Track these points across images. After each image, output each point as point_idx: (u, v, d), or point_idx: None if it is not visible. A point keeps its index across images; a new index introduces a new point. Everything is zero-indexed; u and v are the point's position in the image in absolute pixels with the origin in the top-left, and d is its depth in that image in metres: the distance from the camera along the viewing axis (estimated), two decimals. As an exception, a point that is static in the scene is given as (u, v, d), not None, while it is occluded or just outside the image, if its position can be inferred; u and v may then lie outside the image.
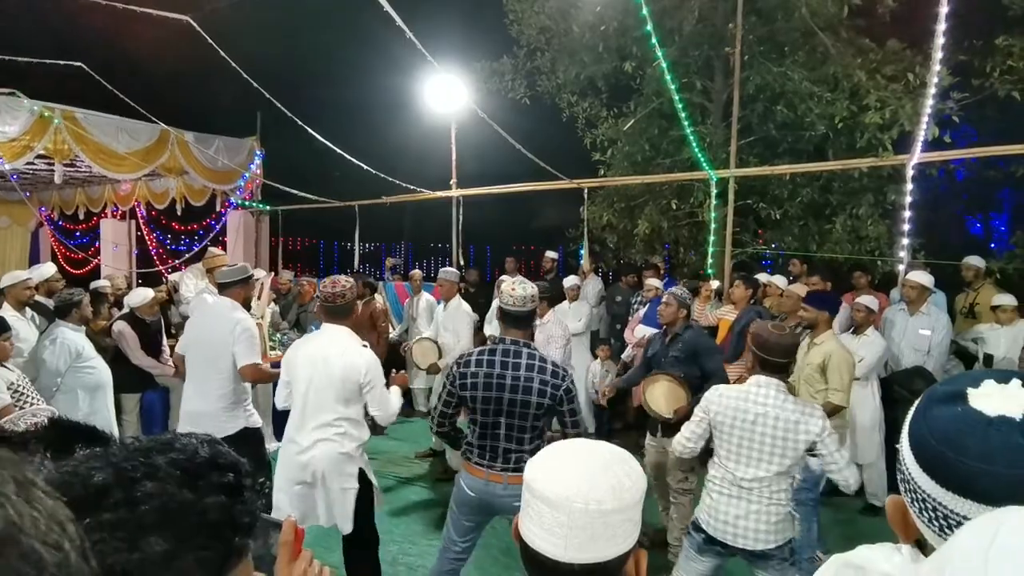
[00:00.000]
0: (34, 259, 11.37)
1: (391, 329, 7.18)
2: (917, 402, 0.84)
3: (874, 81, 6.65)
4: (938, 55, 4.60)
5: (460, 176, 8.04)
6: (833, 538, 4.20)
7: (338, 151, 7.22)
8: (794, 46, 7.53)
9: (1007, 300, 5.09)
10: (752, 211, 7.87)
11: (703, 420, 2.80)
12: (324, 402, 3.05)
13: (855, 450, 4.83)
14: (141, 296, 5.44)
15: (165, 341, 5.71)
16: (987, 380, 0.78)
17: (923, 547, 0.81)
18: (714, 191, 6.56)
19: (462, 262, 8.23)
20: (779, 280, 5.80)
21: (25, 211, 11.26)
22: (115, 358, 5.09)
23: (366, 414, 3.21)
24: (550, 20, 8.61)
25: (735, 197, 6.49)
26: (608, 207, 8.63)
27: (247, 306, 3.95)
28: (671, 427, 3.65)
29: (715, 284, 6.11)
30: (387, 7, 4.15)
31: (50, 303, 4.92)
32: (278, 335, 6.29)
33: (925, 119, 5.11)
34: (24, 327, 4.59)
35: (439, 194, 8.20)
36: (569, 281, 6.77)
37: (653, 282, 6.33)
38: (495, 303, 4.06)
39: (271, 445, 5.11)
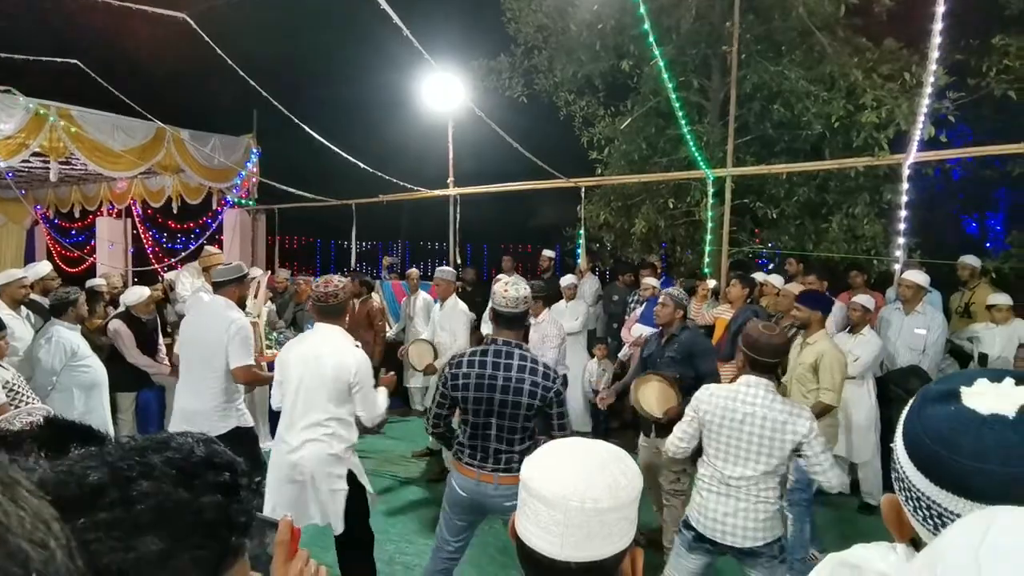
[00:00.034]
0: (29, 257, 11.34)
1: (388, 328, 7.17)
2: (911, 401, 0.84)
3: (871, 80, 6.66)
4: (934, 54, 4.61)
5: (457, 175, 8.04)
6: (829, 537, 4.21)
7: (335, 149, 7.21)
8: (791, 45, 7.54)
9: (1002, 299, 5.11)
10: (749, 210, 7.88)
11: (694, 420, 2.83)
12: (315, 401, 3.05)
13: (851, 449, 4.84)
14: (137, 294, 5.42)
15: (161, 340, 5.69)
16: (981, 379, 0.79)
17: (918, 546, 0.81)
18: (711, 190, 6.57)
19: (459, 261, 8.23)
20: (775, 279, 5.82)
21: (20, 209, 11.22)
22: (111, 357, 5.08)
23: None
24: (547, 18, 8.60)
25: (732, 196, 6.50)
26: (605, 206, 8.63)
27: (242, 305, 3.94)
28: (664, 427, 3.67)
29: (712, 283, 6.11)
30: (384, 5, 4.14)
31: (45, 302, 4.91)
32: (274, 334, 6.28)
33: (921, 118, 5.12)
34: (19, 326, 4.58)
35: (436, 193, 8.19)
36: (566, 280, 6.77)
37: (650, 281, 6.34)
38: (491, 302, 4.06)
39: (266, 444, 5.10)
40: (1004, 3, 6.57)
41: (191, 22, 5.60)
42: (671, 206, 7.99)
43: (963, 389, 0.78)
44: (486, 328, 6.10)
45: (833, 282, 6.09)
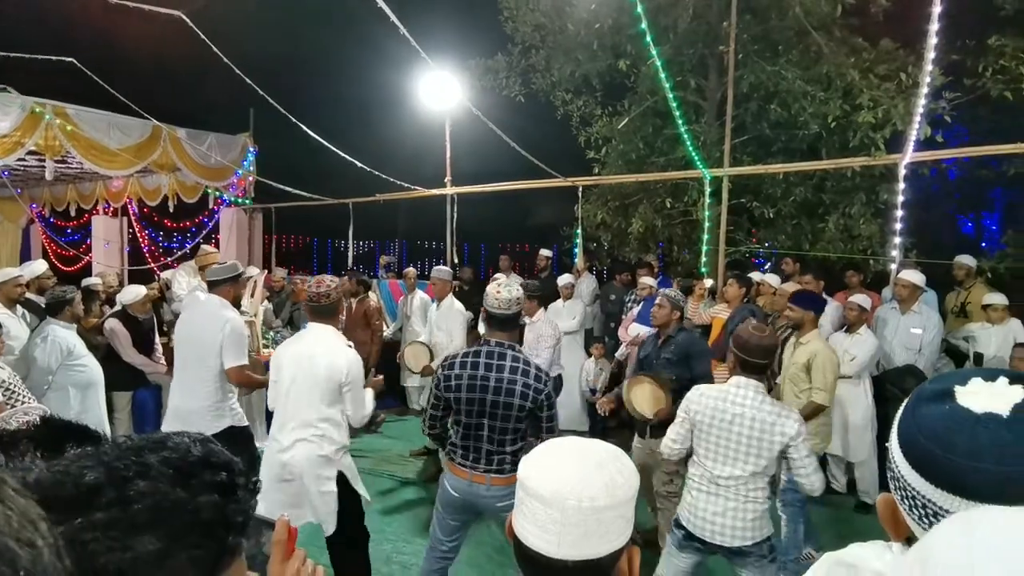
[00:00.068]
0: (25, 256, 11.30)
1: (385, 327, 7.17)
2: (906, 400, 0.84)
3: (867, 80, 6.68)
4: (931, 55, 4.62)
5: (454, 174, 8.03)
6: (826, 536, 4.22)
7: (332, 148, 7.19)
8: (788, 45, 7.56)
9: (998, 299, 5.13)
10: (746, 210, 7.90)
11: (685, 420, 2.85)
12: (307, 401, 3.05)
13: (847, 448, 4.86)
14: (134, 293, 5.41)
15: (157, 339, 5.68)
16: (975, 378, 0.79)
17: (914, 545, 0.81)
18: (708, 190, 6.58)
19: (456, 260, 8.23)
20: (772, 279, 5.83)
21: (16, 208, 11.18)
22: (107, 356, 5.07)
23: None
24: (545, 17, 8.60)
25: (729, 196, 6.51)
26: (602, 205, 8.64)
27: (237, 304, 3.93)
28: (657, 428, 3.69)
29: (709, 283, 6.12)
30: (381, 4, 4.14)
31: (41, 300, 4.89)
32: (271, 333, 6.28)
33: (917, 118, 5.13)
34: (15, 325, 4.56)
35: (433, 192, 8.19)
36: (563, 279, 6.78)
37: (647, 280, 6.35)
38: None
39: (262, 444, 5.09)
40: (1000, 4, 6.59)
41: (187, 20, 5.58)
42: (668, 206, 8.00)
43: (957, 388, 0.79)
44: (484, 328, 6.10)
45: (829, 282, 6.11)
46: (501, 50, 9.29)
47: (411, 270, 7.46)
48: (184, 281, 6.69)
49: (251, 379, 3.81)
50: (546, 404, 2.77)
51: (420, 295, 7.09)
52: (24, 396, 3.43)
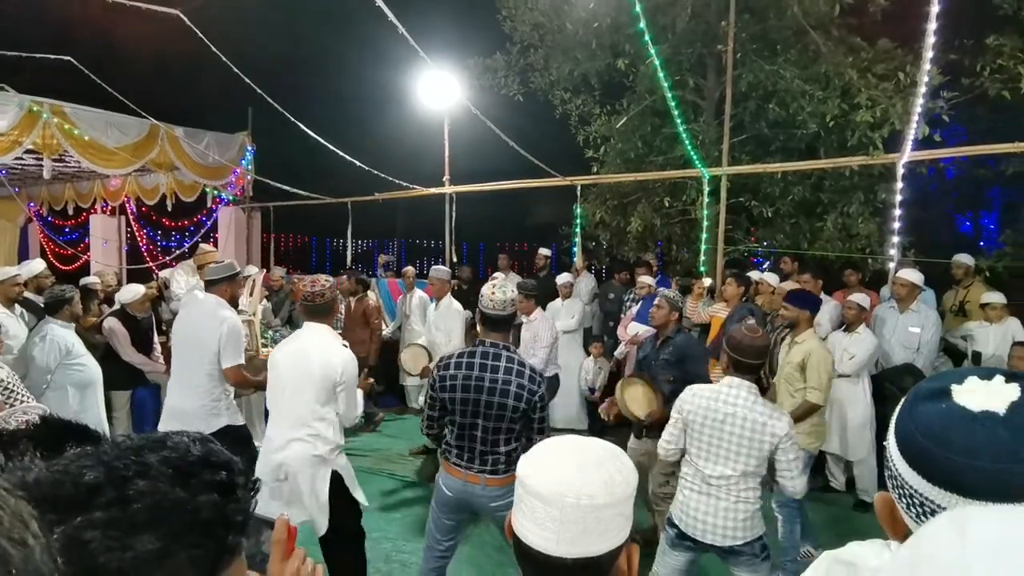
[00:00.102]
0: (23, 255, 11.28)
1: (384, 326, 7.17)
2: (903, 399, 0.85)
3: (865, 80, 6.68)
4: (929, 54, 4.63)
5: (453, 173, 8.03)
6: (825, 535, 4.23)
7: (330, 147, 7.19)
8: (786, 44, 7.56)
9: (996, 298, 5.14)
10: (744, 209, 7.90)
11: (678, 420, 2.87)
12: (301, 400, 3.06)
13: (846, 447, 4.87)
14: (132, 292, 5.40)
15: (156, 338, 5.68)
16: (971, 376, 0.80)
17: (912, 543, 0.82)
18: (706, 189, 6.59)
19: (455, 259, 8.22)
20: (771, 278, 5.84)
21: (14, 207, 11.16)
22: (105, 355, 5.06)
23: None
24: (543, 17, 8.59)
25: (727, 195, 6.52)
26: (601, 204, 8.64)
27: (234, 304, 3.93)
28: (652, 429, 3.70)
29: (707, 281, 6.13)
30: (380, 3, 4.13)
31: (40, 300, 4.88)
32: (270, 332, 6.27)
33: (915, 118, 5.14)
34: (13, 324, 4.55)
35: (432, 191, 8.19)
36: (562, 278, 6.78)
37: (646, 279, 6.35)
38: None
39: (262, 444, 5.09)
40: (998, 3, 6.59)
41: (184, 19, 5.57)
42: (667, 205, 8.00)
43: (954, 387, 0.79)
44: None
45: (828, 281, 6.11)
46: (500, 49, 9.28)
47: (410, 269, 7.46)
48: (183, 280, 6.68)
49: (248, 379, 3.80)
50: (539, 405, 2.78)
51: (419, 294, 7.08)
52: (23, 395, 3.43)
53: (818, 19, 7.16)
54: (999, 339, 5.00)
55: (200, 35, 5.72)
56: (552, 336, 5.19)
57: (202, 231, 10.30)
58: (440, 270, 5.88)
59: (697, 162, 6.48)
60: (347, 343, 3.27)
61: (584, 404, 6.57)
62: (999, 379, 0.78)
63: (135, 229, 11.31)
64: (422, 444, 5.93)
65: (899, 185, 5.54)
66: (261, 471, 3.09)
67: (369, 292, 6.89)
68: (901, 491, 0.80)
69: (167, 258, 10.23)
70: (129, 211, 11.14)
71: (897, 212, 5.56)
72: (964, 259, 5.85)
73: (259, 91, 6.49)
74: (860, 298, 4.84)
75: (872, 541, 0.86)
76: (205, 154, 8.65)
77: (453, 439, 2.86)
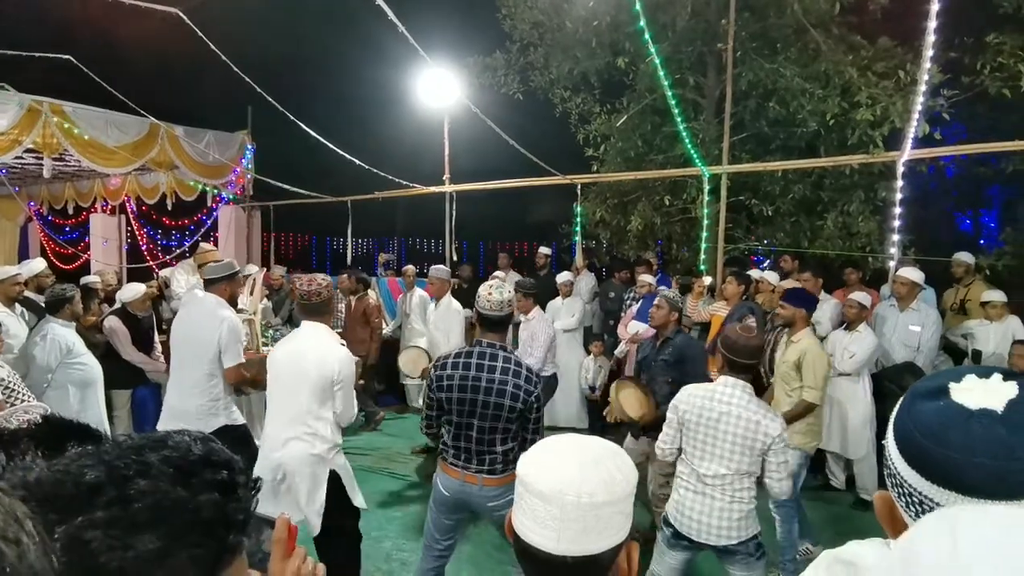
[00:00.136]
0: (23, 254, 11.29)
1: (384, 325, 7.18)
2: (902, 398, 0.85)
3: (865, 78, 6.67)
4: (929, 52, 4.63)
5: (453, 172, 8.03)
6: (825, 534, 4.23)
7: (330, 146, 7.18)
8: (786, 43, 7.55)
9: (996, 296, 5.14)
10: (744, 207, 7.90)
11: (674, 420, 2.88)
12: (299, 399, 3.06)
13: (846, 445, 4.87)
14: (133, 291, 5.41)
15: (156, 337, 5.68)
16: (969, 375, 0.80)
17: (911, 541, 0.82)
18: (707, 187, 6.59)
19: (455, 258, 8.22)
20: (771, 276, 5.84)
21: (14, 206, 11.16)
22: (106, 354, 5.07)
23: None
24: (543, 15, 8.58)
25: (728, 193, 6.52)
26: (601, 203, 8.63)
27: (233, 303, 3.93)
28: (648, 430, 3.71)
29: (708, 280, 6.13)
30: (380, 2, 4.13)
31: (40, 299, 4.88)
32: (270, 331, 6.28)
33: (916, 116, 5.14)
34: (14, 323, 4.56)
35: (432, 189, 8.19)
36: (562, 277, 6.79)
37: (646, 278, 6.35)
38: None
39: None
40: (998, 2, 6.58)
41: (184, 17, 5.56)
42: (667, 203, 8.00)
43: (952, 385, 0.79)
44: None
45: (828, 279, 6.11)
46: (499, 48, 9.28)
47: (410, 268, 7.47)
48: (183, 279, 6.69)
49: (245, 379, 3.80)
50: (535, 406, 2.78)
51: (419, 293, 7.09)
52: (24, 395, 3.43)
53: (818, 17, 7.16)
54: (999, 337, 5.00)
55: (200, 34, 5.71)
56: (549, 336, 5.17)
57: (202, 230, 10.31)
58: (440, 270, 5.88)
59: (697, 160, 6.48)
60: (346, 342, 3.27)
61: (584, 403, 6.57)
62: (997, 377, 0.78)
63: (135, 228, 11.31)
64: (424, 443, 5.93)
65: (899, 183, 5.54)
66: (259, 469, 3.10)
67: (369, 291, 6.89)
68: (900, 489, 0.81)
69: (167, 257, 10.23)
70: (129, 210, 11.14)
71: (897, 210, 5.56)
72: (964, 257, 5.85)
73: (259, 90, 6.48)
74: (860, 297, 4.85)
75: (872, 540, 0.86)
76: (205, 153, 8.65)
77: (450, 439, 2.86)
